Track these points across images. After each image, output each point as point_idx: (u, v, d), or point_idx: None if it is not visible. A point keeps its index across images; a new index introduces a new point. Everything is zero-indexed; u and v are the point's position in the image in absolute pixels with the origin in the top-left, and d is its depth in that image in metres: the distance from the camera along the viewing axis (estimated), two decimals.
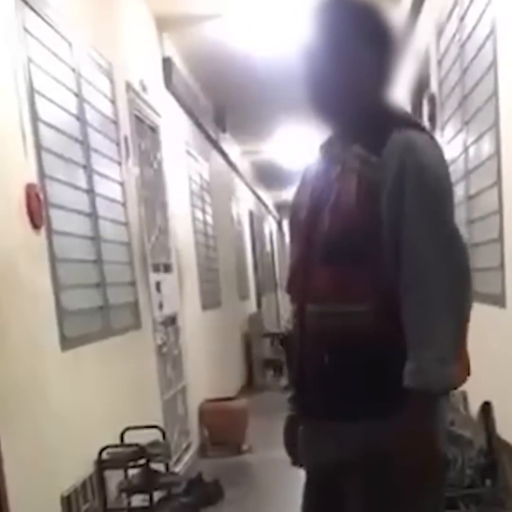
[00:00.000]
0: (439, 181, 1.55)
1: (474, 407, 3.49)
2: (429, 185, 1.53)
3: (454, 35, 3.62)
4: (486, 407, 3.26)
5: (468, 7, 3.29)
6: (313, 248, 1.62)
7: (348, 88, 1.61)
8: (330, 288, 1.57)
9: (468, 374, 1.56)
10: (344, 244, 1.56)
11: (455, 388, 1.58)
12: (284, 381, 7.75)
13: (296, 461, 1.86)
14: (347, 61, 1.60)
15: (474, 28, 3.21)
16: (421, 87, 4.97)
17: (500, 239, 2.94)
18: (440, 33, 3.98)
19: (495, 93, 2.90)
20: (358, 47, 1.60)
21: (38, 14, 2.86)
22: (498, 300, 2.99)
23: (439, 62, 4.06)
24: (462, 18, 3.42)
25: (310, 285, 1.62)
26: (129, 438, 3.36)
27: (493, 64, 2.90)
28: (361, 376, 1.57)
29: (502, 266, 2.93)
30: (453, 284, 1.50)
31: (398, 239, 1.52)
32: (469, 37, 3.31)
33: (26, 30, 2.72)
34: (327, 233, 1.59)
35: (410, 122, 1.65)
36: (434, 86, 4.29)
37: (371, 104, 1.64)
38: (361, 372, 1.57)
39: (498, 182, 2.94)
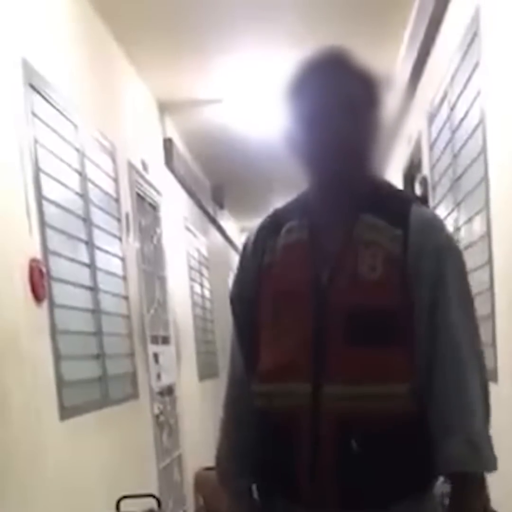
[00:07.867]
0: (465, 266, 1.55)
1: None
2: (465, 272, 1.53)
3: (445, 123, 3.75)
4: None
5: (458, 97, 3.42)
6: (326, 325, 1.46)
7: (362, 150, 1.51)
8: (363, 369, 1.43)
9: None
10: (377, 322, 1.43)
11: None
12: None
13: None
14: (360, 122, 1.48)
15: (464, 117, 3.32)
16: (413, 170, 5.11)
17: (491, 316, 2.99)
18: (431, 120, 4.12)
19: (485, 177, 3.00)
20: (366, 108, 1.50)
21: (46, 99, 2.98)
22: (491, 376, 3.01)
23: (431, 147, 4.19)
24: (452, 107, 3.55)
25: (331, 365, 1.44)
26: (125, 506, 3.35)
27: (483, 151, 3.00)
28: (400, 460, 1.46)
29: (493, 342, 2.97)
30: (484, 375, 1.60)
31: (433, 320, 1.46)
32: (459, 125, 3.43)
33: (33, 114, 2.82)
34: (352, 309, 1.45)
35: (416, 196, 1.64)
36: (426, 169, 4.41)
37: (376, 170, 1.57)
38: (400, 456, 1.46)
39: (489, 261, 3.01)
